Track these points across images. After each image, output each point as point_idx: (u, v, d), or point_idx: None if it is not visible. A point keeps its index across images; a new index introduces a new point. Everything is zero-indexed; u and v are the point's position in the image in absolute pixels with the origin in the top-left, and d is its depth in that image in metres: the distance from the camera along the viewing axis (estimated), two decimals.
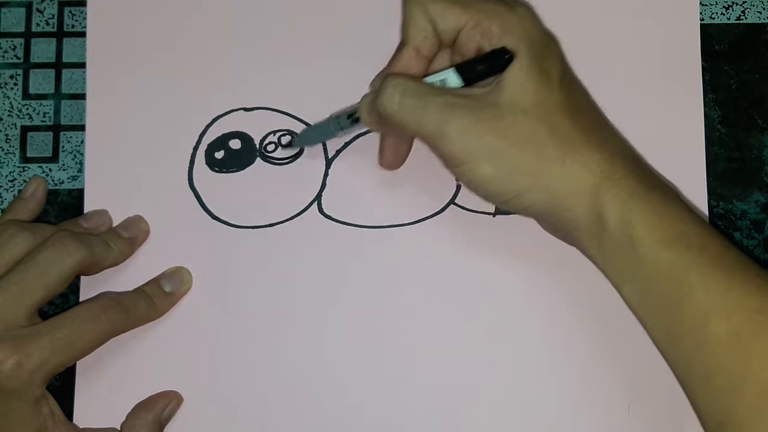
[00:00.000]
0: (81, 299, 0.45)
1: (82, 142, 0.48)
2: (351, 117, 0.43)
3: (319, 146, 0.47)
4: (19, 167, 0.48)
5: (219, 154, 0.47)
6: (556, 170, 0.39)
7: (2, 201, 0.48)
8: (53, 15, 0.49)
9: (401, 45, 0.43)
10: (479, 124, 0.39)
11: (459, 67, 0.41)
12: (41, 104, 0.49)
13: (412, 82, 0.40)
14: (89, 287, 0.45)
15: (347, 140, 0.47)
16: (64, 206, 0.48)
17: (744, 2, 0.49)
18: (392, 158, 0.45)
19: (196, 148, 0.47)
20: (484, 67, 0.40)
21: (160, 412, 0.44)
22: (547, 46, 0.41)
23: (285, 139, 0.47)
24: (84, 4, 0.48)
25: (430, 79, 0.41)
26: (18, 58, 0.49)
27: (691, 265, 0.37)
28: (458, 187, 0.47)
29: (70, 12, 0.49)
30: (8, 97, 0.49)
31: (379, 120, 0.42)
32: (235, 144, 0.47)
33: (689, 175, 0.47)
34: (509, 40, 0.40)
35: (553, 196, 0.39)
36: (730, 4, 0.50)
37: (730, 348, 0.36)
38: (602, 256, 0.40)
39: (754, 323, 0.36)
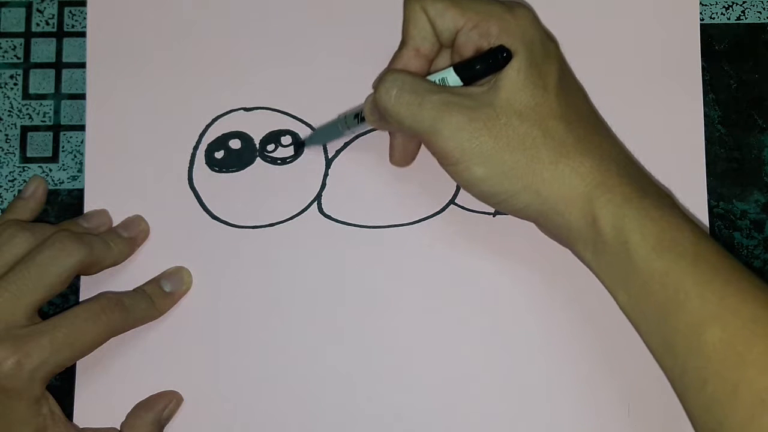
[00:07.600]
0: (81, 299, 0.45)
1: (82, 142, 0.48)
2: (357, 117, 0.44)
3: (319, 146, 0.47)
4: (19, 167, 0.48)
5: (219, 154, 0.47)
6: (548, 174, 0.39)
7: (2, 201, 0.48)
8: (53, 15, 0.49)
9: (401, 45, 0.43)
10: (474, 123, 0.39)
11: (457, 67, 0.41)
12: (41, 104, 0.49)
13: (410, 78, 0.40)
14: (89, 287, 0.45)
15: (347, 140, 0.47)
16: (64, 206, 0.47)
17: (744, 2, 0.49)
18: (401, 156, 0.45)
19: (196, 148, 0.47)
20: (482, 66, 0.40)
21: (160, 412, 0.44)
22: (545, 49, 0.41)
23: (285, 140, 0.47)
24: (84, 4, 0.48)
25: (430, 78, 0.41)
26: (18, 58, 0.49)
27: (686, 274, 0.37)
28: (458, 187, 0.47)
29: (70, 12, 0.49)
30: (8, 97, 0.49)
31: (380, 118, 0.42)
32: (235, 144, 0.47)
33: (689, 175, 0.47)
34: (507, 42, 0.40)
35: (545, 200, 0.39)
36: (730, 4, 0.50)
37: (725, 356, 0.36)
38: (597, 262, 0.40)
39: (749, 332, 0.36)
